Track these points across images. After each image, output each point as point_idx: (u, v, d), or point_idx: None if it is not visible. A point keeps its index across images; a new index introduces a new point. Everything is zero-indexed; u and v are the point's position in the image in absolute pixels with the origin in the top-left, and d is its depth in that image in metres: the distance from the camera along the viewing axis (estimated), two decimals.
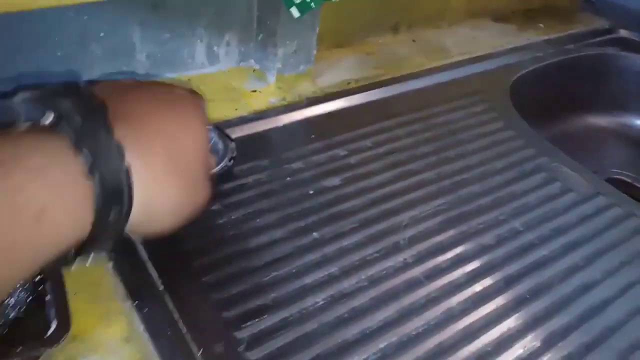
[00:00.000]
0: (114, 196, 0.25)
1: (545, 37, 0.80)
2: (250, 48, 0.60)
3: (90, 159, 0.23)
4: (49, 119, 0.23)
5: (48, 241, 0.23)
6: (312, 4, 0.53)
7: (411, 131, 0.57)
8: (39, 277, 0.35)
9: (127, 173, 0.25)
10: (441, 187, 0.50)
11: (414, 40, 0.74)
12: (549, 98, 0.76)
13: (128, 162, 0.25)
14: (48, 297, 0.34)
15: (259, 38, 0.59)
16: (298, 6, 0.53)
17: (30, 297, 0.34)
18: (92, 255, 0.27)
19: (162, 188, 0.28)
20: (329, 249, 0.42)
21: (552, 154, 0.56)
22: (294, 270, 0.40)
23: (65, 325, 0.32)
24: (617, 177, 0.73)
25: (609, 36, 0.84)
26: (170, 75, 0.56)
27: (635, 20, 0.85)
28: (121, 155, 0.25)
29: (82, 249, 0.26)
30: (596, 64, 0.79)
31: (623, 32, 0.85)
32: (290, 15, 0.53)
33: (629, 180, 0.73)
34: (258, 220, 0.44)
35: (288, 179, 0.49)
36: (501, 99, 0.65)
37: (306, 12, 0.53)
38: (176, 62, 0.56)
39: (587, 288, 0.42)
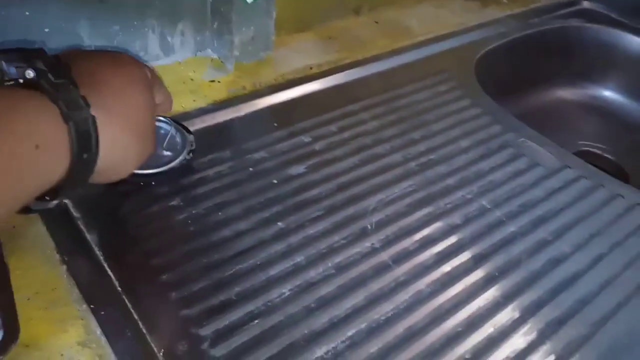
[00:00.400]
0: (84, 142, 0.29)
1: (509, 12, 0.79)
2: (206, 37, 0.59)
3: (65, 109, 0.28)
4: (30, 75, 0.28)
5: (43, 171, 0.27)
6: None
7: (376, 114, 0.56)
8: None
9: (94, 122, 0.29)
10: (407, 169, 0.49)
11: (376, 22, 0.72)
12: (515, 73, 0.75)
13: (93, 114, 0.29)
14: None
15: (215, 26, 0.58)
16: None
17: None
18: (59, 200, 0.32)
19: (122, 138, 0.32)
20: (295, 239, 0.41)
21: (519, 130, 0.56)
22: (258, 263, 0.39)
23: (13, 334, 0.31)
24: (587, 149, 0.73)
25: (572, 8, 0.83)
26: None
27: None
28: (87, 107, 0.29)
29: (57, 191, 0.30)
30: (561, 37, 0.79)
31: (586, 4, 0.84)
32: (244, 1, 0.51)
33: (598, 152, 0.73)
34: (220, 213, 0.43)
35: (251, 169, 0.47)
36: (466, 77, 0.64)
37: None
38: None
39: (556, 262, 0.42)
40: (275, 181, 0.46)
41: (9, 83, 0.28)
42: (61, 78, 0.29)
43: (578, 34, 0.79)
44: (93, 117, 0.29)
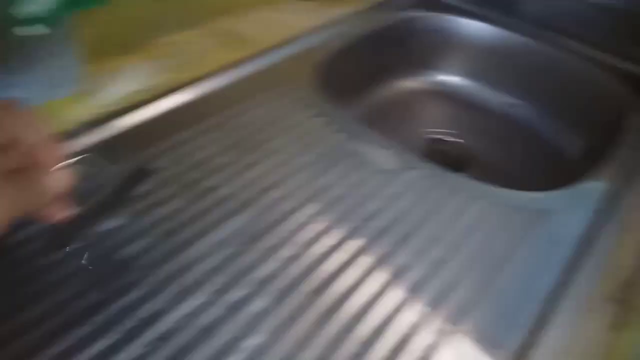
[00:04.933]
0: None
1: (350, 11, 0.77)
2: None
3: None
4: None
5: None
6: (60, 13, 0.45)
7: (214, 138, 0.51)
8: None
9: None
10: (240, 201, 0.45)
11: (209, 34, 0.67)
12: (358, 72, 0.73)
13: None
14: None
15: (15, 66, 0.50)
16: (38, 21, 0.45)
17: None
18: None
19: None
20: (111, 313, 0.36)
21: (363, 135, 0.53)
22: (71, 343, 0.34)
23: None
24: (434, 136, 0.73)
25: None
26: None
27: None
28: None
29: None
30: (399, 29, 0.78)
31: None
32: (38, 31, 0.45)
33: (444, 137, 0.74)
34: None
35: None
36: (308, 85, 0.61)
37: (57, 24, 0.45)
38: None
39: (403, 270, 0.39)
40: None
41: None
42: None
43: (414, 25, 0.79)
44: None
